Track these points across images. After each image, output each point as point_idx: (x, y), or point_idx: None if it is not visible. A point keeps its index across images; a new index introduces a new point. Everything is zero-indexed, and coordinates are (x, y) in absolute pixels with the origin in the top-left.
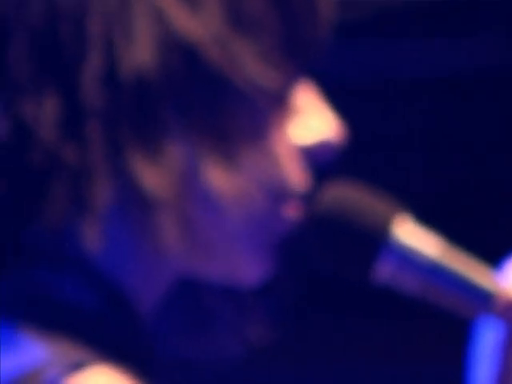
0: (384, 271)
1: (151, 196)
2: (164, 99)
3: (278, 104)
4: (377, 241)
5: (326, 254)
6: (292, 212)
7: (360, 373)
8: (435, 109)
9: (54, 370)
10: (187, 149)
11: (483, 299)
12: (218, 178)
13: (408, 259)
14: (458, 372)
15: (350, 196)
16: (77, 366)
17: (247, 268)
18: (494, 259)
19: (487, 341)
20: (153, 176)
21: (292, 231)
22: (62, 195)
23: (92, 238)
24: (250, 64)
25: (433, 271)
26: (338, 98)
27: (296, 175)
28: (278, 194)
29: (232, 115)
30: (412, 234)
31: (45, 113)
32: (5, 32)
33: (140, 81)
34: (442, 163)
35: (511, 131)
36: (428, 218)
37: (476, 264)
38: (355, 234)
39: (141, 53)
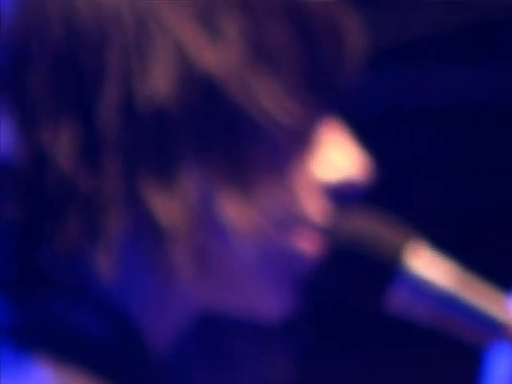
0: (397, 300)
1: (165, 227)
2: (181, 131)
3: (297, 139)
4: (390, 271)
5: (340, 284)
6: (310, 246)
7: None
8: (455, 137)
9: None
10: (203, 181)
11: (495, 329)
12: (233, 212)
13: (420, 289)
14: None
15: (363, 225)
16: None
17: (265, 302)
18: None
19: (499, 368)
20: (167, 207)
21: (312, 266)
22: (76, 223)
23: (105, 267)
24: (269, 98)
25: (445, 301)
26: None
27: (314, 210)
28: (294, 228)
29: (249, 149)
30: (425, 263)
31: (62, 141)
32: (24, 58)
33: (157, 111)
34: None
35: None
36: (442, 243)
37: (489, 292)
38: (369, 264)
39: (158, 83)
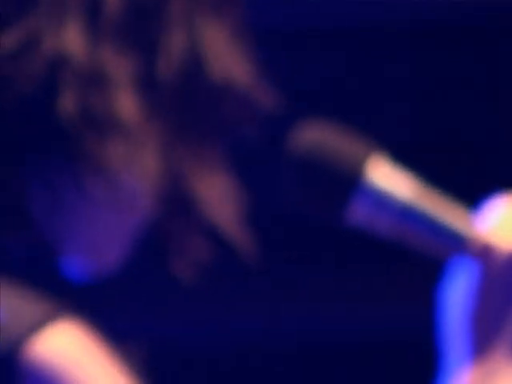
0: (358, 213)
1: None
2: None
3: None
4: (350, 183)
5: (301, 195)
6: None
7: (334, 315)
8: (422, 56)
9: (15, 332)
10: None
11: (457, 242)
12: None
13: (381, 201)
14: (430, 313)
15: (326, 137)
16: (37, 326)
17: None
18: (473, 203)
19: (461, 283)
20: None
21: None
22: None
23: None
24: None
25: (406, 214)
26: (328, 39)
27: None
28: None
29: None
30: (387, 176)
31: (122, 66)
32: None
33: (225, 79)
34: (428, 112)
35: (496, 81)
36: (407, 158)
37: (452, 206)
38: (330, 176)
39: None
